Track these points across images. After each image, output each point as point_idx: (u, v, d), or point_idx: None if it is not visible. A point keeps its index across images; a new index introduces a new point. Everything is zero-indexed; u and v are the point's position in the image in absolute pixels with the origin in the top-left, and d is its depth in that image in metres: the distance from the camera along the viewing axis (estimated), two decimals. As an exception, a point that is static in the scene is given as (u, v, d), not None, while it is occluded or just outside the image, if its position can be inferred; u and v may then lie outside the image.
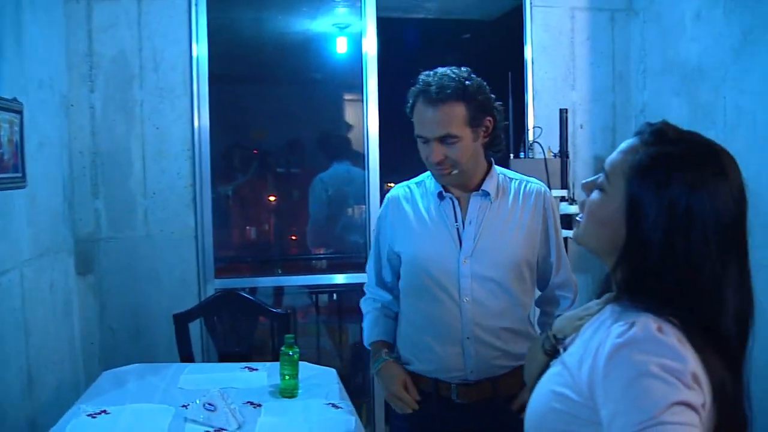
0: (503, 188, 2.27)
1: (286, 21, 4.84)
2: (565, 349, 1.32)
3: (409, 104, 2.20)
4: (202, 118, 3.81)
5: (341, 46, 4.77)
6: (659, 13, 3.90)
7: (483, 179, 2.25)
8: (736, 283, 1.18)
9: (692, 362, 1.09)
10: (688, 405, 1.05)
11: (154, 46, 3.73)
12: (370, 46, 4.04)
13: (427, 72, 2.17)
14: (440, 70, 2.16)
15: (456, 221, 2.23)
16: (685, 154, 1.20)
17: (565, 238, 3.73)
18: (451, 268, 2.20)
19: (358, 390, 4.19)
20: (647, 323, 1.12)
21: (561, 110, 3.85)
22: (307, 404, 2.62)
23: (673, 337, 1.11)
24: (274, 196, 5.03)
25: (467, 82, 2.12)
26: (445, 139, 2.12)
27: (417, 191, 2.33)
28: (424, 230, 2.25)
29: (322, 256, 4.85)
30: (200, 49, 3.80)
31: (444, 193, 2.25)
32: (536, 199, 2.28)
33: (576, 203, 3.73)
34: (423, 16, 4.86)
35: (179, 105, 3.78)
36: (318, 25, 4.80)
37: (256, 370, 3.07)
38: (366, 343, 2.46)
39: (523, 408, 1.81)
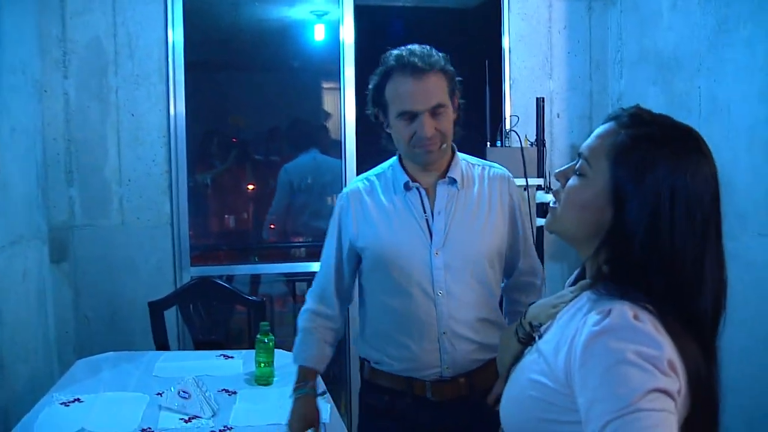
0: (468, 175, 2.20)
1: (263, 7, 4.80)
2: (540, 337, 1.31)
3: (374, 85, 2.09)
4: (179, 105, 3.79)
5: (319, 34, 4.75)
6: (636, 3, 3.92)
7: (448, 166, 2.18)
8: (713, 263, 1.19)
9: (668, 349, 1.09)
10: (664, 392, 1.06)
11: (129, 32, 3.70)
12: (348, 34, 4.02)
13: (395, 50, 2.08)
14: (409, 46, 2.07)
15: (425, 212, 2.13)
16: (666, 134, 1.21)
17: (540, 227, 3.77)
18: (423, 261, 2.10)
19: (335, 379, 4.19)
20: (623, 311, 1.12)
21: (538, 99, 3.85)
22: (282, 392, 2.59)
23: (649, 324, 1.11)
24: (253, 184, 5.02)
25: (441, 54, 2.09)
26: (436, 110, 2.03)
27: (378, 183, 2.21)
28: (392, 223, 2.14)
29: (300, 244, 4.85)
30: (176, 35, 3.77)
31: (411, 182, 2.14)
32: (501, 185, 2.22)
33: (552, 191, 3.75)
34: (401, 4, 4.84)
35: (155, 92, 3.75)
36: (296, 12, 4.77)
37: (232, 357, 3.07)
38: (294, 361, 2.29)
39: (498, 400, 1.83)
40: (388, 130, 2.13)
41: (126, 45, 3.70)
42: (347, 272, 2.27)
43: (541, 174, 3.84)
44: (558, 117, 4.15)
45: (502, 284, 2.35)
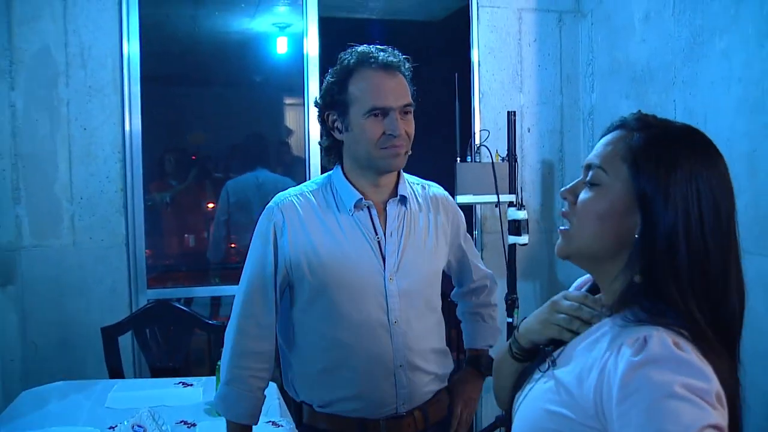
0: (412, 194, 2.07)
1: (224, 19, 4.67)
2: (554, 362, 1.21)
3: (332, 84, 1.93)
4: (134, 120, 3.60)
5: (282, 47, 4.62)
6: (607, 15, 3.84)
7: (397, 183, 2.02)
8: (737, 260, 1.15)
9: (715, 381, 1.01)
10: (717, 428, 0.97)
11: (81, 42, 3.50)
12: (312, 47, 3.88)
13: (360, 46, 1.94)
14: (372, 46, 1.95)
15: (376, 233, 1.96)
16: (678, 132, 1.17)
17: (512, 245, 3.65)
18: (377, 288, 1.93)
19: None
20: (663, 338, 1.03)
21: (509, 113, 3.75)
22: (245, 423, 2.43)
23: (692, 354, 1.03)
24: (213, 203, 4.84)
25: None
26: (405, 110, 1.91)
27: (315, 200, 1.98)
28: (340, 246, 1.93)
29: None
30: (132, 47, 3.59)
31: (364, 200, 1.96)
32: (443, 204, 2.12)
33: (524, 208, 3.64)
34: (367, 17, 4.73)
35: (109, 105, 3.56)
36: (258, 24, 4.64)
37: (191, 385, 2.88)
38: (225, 415, 1.97)
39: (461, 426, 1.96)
40: (340, 136, 1.95)
41: (78, 55, 3.50)
42: (274, 302, 1.96)
43: (512, 190, 3.72)
44: (529, 131, 4.05)
45: (453, 292, 2.33)
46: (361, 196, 1.95)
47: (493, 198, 3.66)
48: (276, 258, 1.93)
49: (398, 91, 1.90)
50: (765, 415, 2.07)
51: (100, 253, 3.56)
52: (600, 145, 1.22)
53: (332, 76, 1.93)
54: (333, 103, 1.92)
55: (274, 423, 2.44)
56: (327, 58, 3.86)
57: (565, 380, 1.14)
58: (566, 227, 1.24)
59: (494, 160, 3.73)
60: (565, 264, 4.08)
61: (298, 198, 1.98)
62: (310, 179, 3.82)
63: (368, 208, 1.97)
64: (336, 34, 4.09)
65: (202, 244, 4.85)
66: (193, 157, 4.84)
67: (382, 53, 1.90)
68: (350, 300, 1.91)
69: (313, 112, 3.80)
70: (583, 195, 1.21)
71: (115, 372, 3.17)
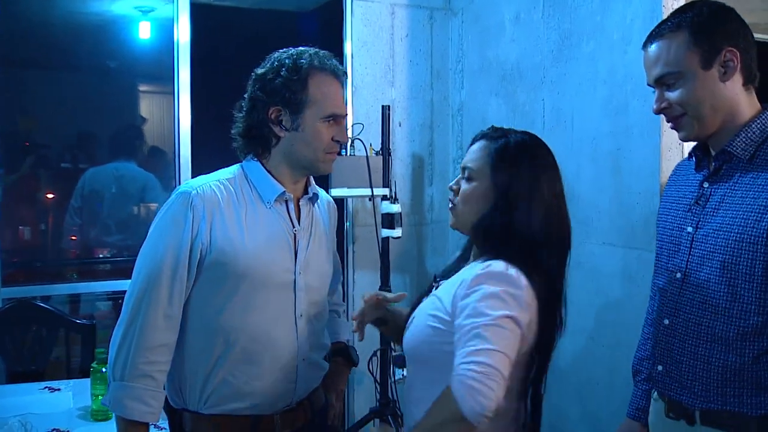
0: (316, 194, 2.14)
1: (80, 0, 4.42)
2: (437, 286, 1.85)
3: (289, 81, 1.91)
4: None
5: (144, 32, 4.44)
6: (478, 14, 3.95)
7: (308, 181, 2.09)
8: (560, 226, 1.78)
9: (527, 292, 1.63)
10: (515, 319, 1.59)
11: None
12: (183, 33, 3.73)
13: (302, 48, 1.98)
14: (311, 48, 2.00)
15: (293, 227, 1.99)
16: (521, 140, 1.79)
17: (385, 238, 3.69)
18: (288, 282, 1.97)
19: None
20: (500, 263, 1.65)
21: (383, 107, 3.77)
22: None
23: (516, 273, 1.63)
24: (53, 193, 4.57)
25: None
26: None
27: (233, 190, 1.95)
28: (259, 238, 1.93)
29: (122, 258, 4.47)
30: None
31: (286, 194, 1.99)
32: (332, 208, 2.24)
33: (398, 202, 3.68)
34: (237, 5, 4.61)
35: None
36: (118, 7, 4.43)
37: (59, 390, 2.72)
38: (127, 415, 1.85)
39: (336, 416, 2.26)
40: (282, 133, 1.94)
41: None
42: (179, 296, 1.89)
43: (386, 184, 3.76)
44: (400, 126, 4.10)
45: None
46: (284, 189, 1.97)
47: (367, 191, 3.68)
48: (192, 246, 1.87)
49: (344, 100, 2.00)
50: (624, 399, 2.21)
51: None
52: (471, 151, 1.82)
53: (288, 72, 1.91)
54: (286, 100, 1.91)
55: (155, 425, 2.35)
56: (196, 46, 3.74)
57: (440, 294, 1.77)
58: (453, 206, 1.84)
59: (368, 154, 3.75)
60: (433, 256, 4.18)
61: (216, 186, 1.93)
62: (179, 172, 3.76)
63: (287, 202, 2.00)
64: (205, 22, 3.98)
65: (39, 238, 4.57)
66: (26, 144, 4.53)
67: (333, 60, 1.97)
68: (263, 292, 1.92)
69: (184, 102, 3.71)
70: (463, 186, 1.81)
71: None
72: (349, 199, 3.99)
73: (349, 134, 3.86)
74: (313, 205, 2.09)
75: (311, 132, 1.93)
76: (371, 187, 3.67)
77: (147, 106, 5.03)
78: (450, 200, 1.84)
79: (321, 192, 2.18)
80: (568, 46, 3.28)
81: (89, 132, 4.71)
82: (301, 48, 1.97)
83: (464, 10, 4.06)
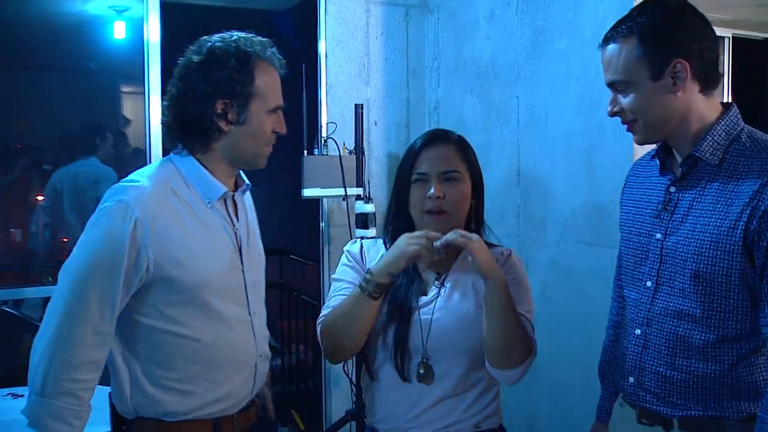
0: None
1: (56, 0, 4.38)
2: (443, 283, 1.93)
3: (235, 71, 1.79)
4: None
5: (119, 32, 4.40)
6: (453, 11, 3.91)
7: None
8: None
9: None
10: None
11: None
12: (153, 33, 3.69)
13: (240, 33, 1.84)
14: (248, 35, 1.87)
15: (233, 225, 1.89)
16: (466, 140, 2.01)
17: (360, 238, 3.64)
18: (239, 281, 1.89)
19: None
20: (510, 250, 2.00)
21: (356, 105, 3.74)
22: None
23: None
24: (41, 195, 4.53)
25: None
26: None
27: (171, 192, 1.81)
28: (206, 241, 1.82)
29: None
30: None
31: (228, 192, 1.88)
32: (251, 202, 2.10)
33: (372, 202, 3.65)
34: (210, 3, 4.57)
35: None
36: (94, 6, 4.39)
37: (22, 396, 2.66)
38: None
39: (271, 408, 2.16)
40: (227, 127, 1.81)
41: None
42: (120, 306, 1.74)
43: (360, 183, 3.72)
44: (375, 124, 4.06)
45: None
46: (226, 189, 1.85)
47: (341, 191, 3.64)
48: (134, 258, 1.71)
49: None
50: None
51: None
52: (444, 155, 1.91)
53: (237, 63, 1.79)
54: (234, 93, 1.79)
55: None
56: (168, 45, 3.69)
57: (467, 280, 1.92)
58: (444, 211, 1.91)
59: (341, 153, 3.71)
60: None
61: (155, 190, 1.78)
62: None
63: (225, 200, 1.88)
64: (177, 20, 3.93)
65: (30, 241, 4.53)
66: (18, 146, 4.50)
67: (273, 48, 1.87)
68: (219, 298, 1.82)
69: (155, 102, 3.66)
70: (451, 187, 1.93)
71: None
72: (325, 200, 3.95)
73: (324, 134, 3.83)
74: (244, 197, 1.99)
75: (257, 125, 1.83)
76: (344, 187, 3.63)
77: (131, 107, 4.99)
78: (436, 209, 1.87)
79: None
80: (541, 43, 3.25)
81: (69, 133, 4.67)
82: (237, 34, 1.84)
83: (440, 7, 4.03)
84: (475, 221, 1.98)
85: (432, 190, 1.86)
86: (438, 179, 1.87)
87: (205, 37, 1.84)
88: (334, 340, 1.92)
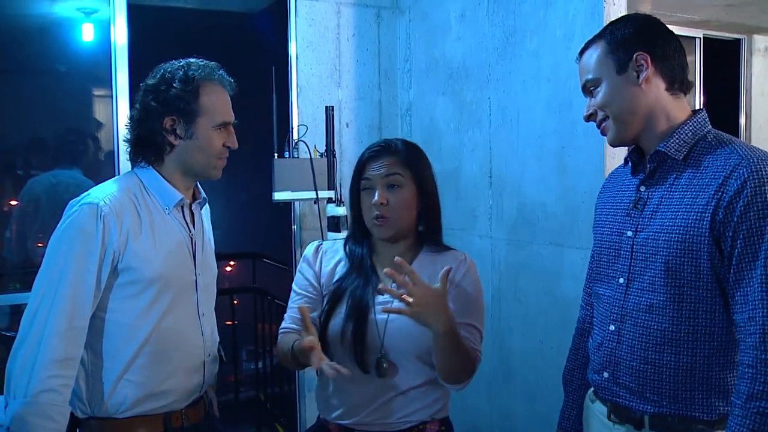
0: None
1: (22, 1, 4.31)
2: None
3: (182, 92, 1.99)
4: None
5: (87, 34, 4.33)
6: (425, 12, 3.89)
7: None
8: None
9: None
10: None
11: None
12: (120, 35, 3.63)
13: (191, 60, 2.06)
14: (198, 60, 2.09)
15: (190, 231, 2.10)
16: (420, 149, 2.08)
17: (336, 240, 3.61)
18: (191, 283, 2.08)
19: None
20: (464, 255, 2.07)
21: (327, 108, 3.71)
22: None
23: None
24: (15, 200, 4.46)
25: None
26: None
27: (136, 200, 2.00)
28: (164, 245, 2.00)
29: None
30: None
31: (185, 200, 2.08)
32: (207, 212, 2.31)
33: (343, 204, 3.62)
34: (181, 5, 4.52)
35: None
36: (61, 8, 4.32)
37: None
38: None
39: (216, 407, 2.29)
40: (176, 141, 2.02)
41: None
42: (90, 309, 1.89)
43: (331, 186, 3.69)
44: (347, 126, 4.03)
45: None
46: (182, 196, 2.05)
47: (312, 194, 3.62)
48: (103, 258, 1.90)
49: (231, 108, 2.09)
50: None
51: None
52: (387, 164, 1.99)
53: (181, 84, 1.99)
54: (180, 110, 1.99)
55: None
56: (137, 48, 3.64)
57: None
58: (386, 217, 1.99)
59: (312, 156, 3.68)
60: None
61: (121, 196, 1.98)
62: (119, 174, 3.64)
63: (183, 207, 2.09)
64: (146, 22, 3.89)
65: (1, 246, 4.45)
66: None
67: (220, 71, 2.07)
68: (172, 295, 2.00)
69: (123, 106, 3.61)
70: (393, 195, 1.99)
71: None
72: (297, 203, 3.91)
73: (294, 136, 3.80)
74: (200, 208, 2.18)
75: (204, 140, 2.02)
76: (316, 190, 3.60)
77: (103, 110, 4.92)
78: (382, 209, 1.96)
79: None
80: (512, 44, 3.24)
81: (39, 138, 4.59)
82: (189, 59, 2.05)
83: (411, 8, 4.01)
84: (426, 225, 2.04)
85: (376, 197, 1.97)
86: (381, 186, 1.98)
87: (162, 64, 2.06)
88: (284, 363, 2.08)
